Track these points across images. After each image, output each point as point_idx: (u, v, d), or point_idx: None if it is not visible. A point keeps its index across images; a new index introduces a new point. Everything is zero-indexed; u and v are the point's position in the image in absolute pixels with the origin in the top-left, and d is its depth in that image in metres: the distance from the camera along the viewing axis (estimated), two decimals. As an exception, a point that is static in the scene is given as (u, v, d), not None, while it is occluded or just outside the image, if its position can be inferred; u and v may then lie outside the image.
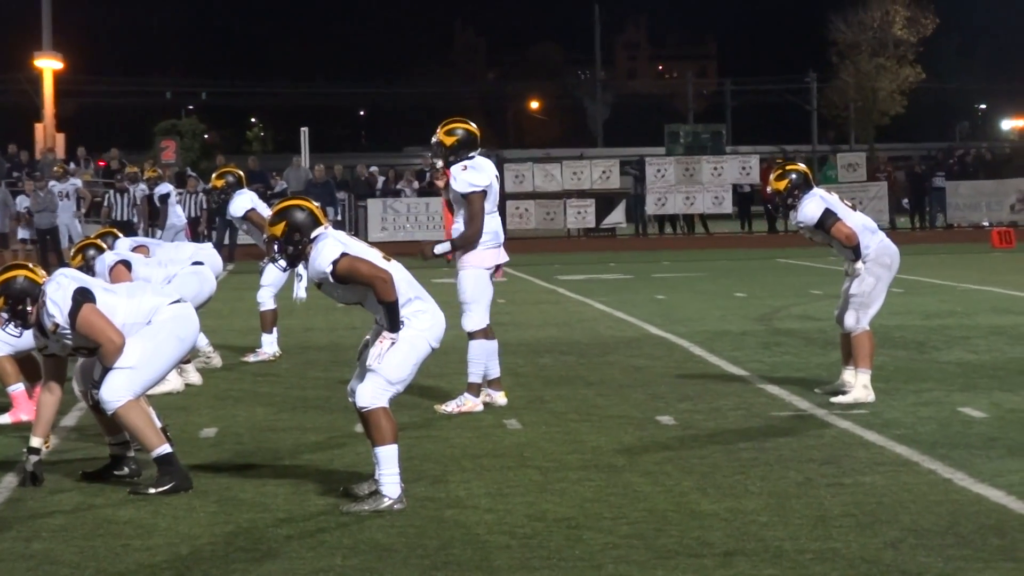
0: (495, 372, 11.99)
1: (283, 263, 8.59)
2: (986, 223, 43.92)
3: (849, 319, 11.91)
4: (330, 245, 8.36)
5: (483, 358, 11.81)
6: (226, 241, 34.70)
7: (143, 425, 8.91)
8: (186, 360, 13.04)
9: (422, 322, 8.44)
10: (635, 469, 9.30)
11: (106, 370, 8.90)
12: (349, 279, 8.33)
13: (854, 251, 11.86)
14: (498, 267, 12.01)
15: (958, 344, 15.45)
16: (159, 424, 9.17)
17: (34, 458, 9.14)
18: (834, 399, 11.74)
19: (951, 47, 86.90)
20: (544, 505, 8.33)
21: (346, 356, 14.51)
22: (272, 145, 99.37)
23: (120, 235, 14.28)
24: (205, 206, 35.25)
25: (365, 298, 8.44)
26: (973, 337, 16.00)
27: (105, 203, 34.20)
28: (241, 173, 15.97)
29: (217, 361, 14.87)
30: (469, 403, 11.72)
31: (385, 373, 8.30)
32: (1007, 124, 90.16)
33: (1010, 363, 13.95)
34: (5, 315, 9.05)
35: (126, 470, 9.32)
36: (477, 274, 11.75)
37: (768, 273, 28.05)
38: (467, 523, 7.95)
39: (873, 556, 7.11)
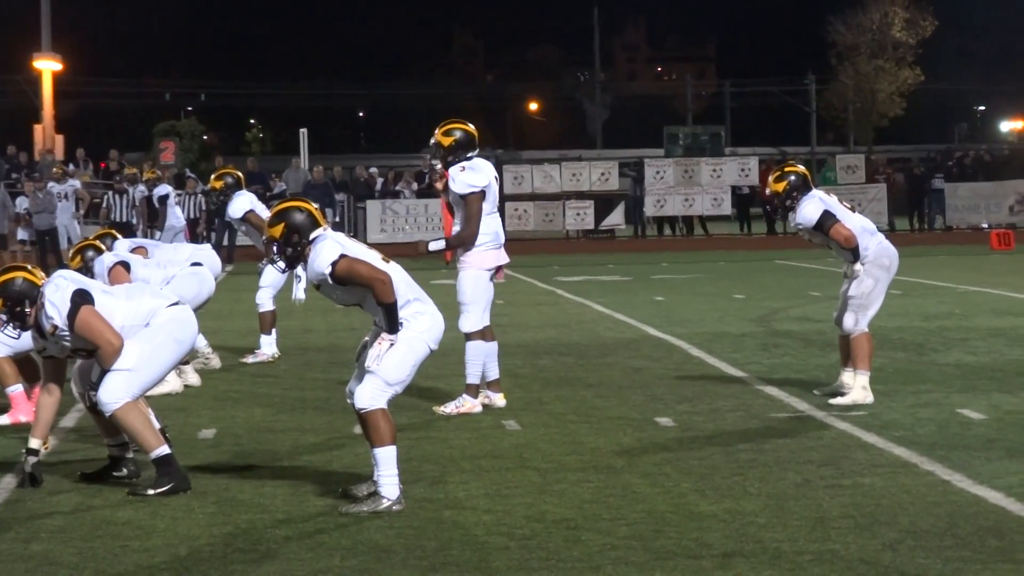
0: (494, 374, 11.99)
1: (282, 264, 8.60)
2: (985, 225, 43.92)
3: (848, 321, 11.91)
4: (329, 247, 8.37)
5: (480, 359, 11.82)
6: (225, 242, 34.70)
7: (141, 427, 8.91)
8: (185, 361, 13.03)
9: (421, 323, 8.44)
10: (634, 470, 9.31)
11: (104, 372, 8.90)
12: (348, 281, 8.34)
13: (853, 253, 11.86)
14: (499, 268, 12.01)
15: (957, 346, 15.46)
16: (158, 425, 9.18)
17: (33, 459, 9.14)
18: (833, 400, 11.75)
19: (950, 49, 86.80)
20: (543, 506, 8.33)
21: (345, 357, 14.51)
22: (271, 146, 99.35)
23: (119, 236, 14.29)
24: (204, 207, 35.24)
25: (364, 299, 8.44)
26: (972, 339, 16.01)
27: (104, 204, 34.19)
28: (240, 174, 15.97)
29: (216, 362, 14.87)
30: (467, 404, 11.73)
31: (384, 374, 8.30)
32: (1006, 126, 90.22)
33: (1009, 365, 13.95)
34: (3, 317, 9.04)
35: (125, 471, 9.33)
36: (477, 275, 11.76)
37: (767, 275, 28.05)
38: (466, 524, 7.95)
39: (872, 557, 7.11)
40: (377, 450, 8.28)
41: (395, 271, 8.45)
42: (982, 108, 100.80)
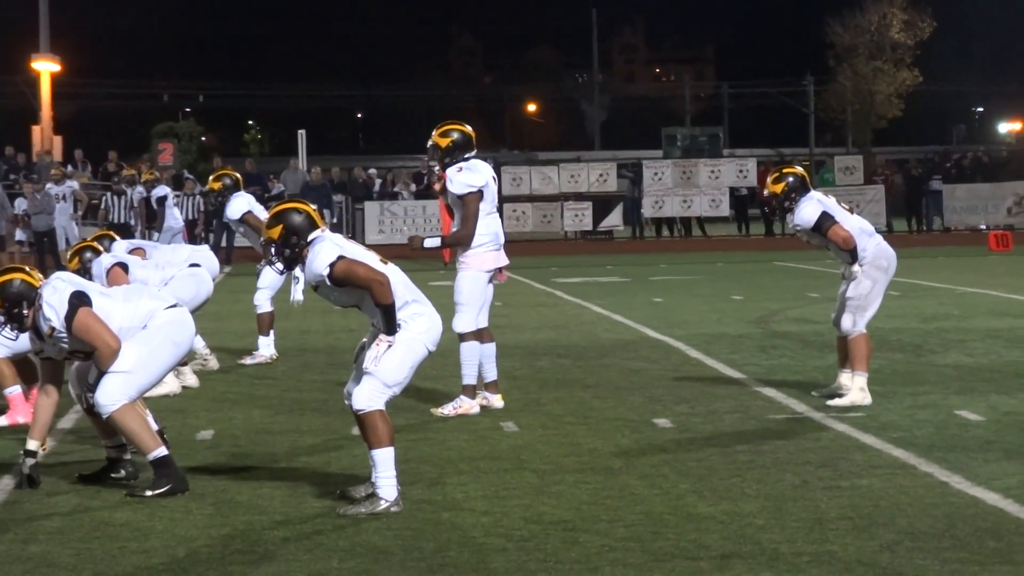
0: (492, 375, 11.99)
1: (280, 266, 8.60)
2: (983, 226, 43.95)
3: (846, 322, 11.91)
4: (327, 248, 8.37)
5: (475, 359, 11.82)
6: (223, 243, 34.69)
7: (138, 428, 8.91)
8: (183, 362, 13.03)
9: (419, 325, 8.45)
10: (632, 472, 9.30)
11: (101, 374, 8.89)
12: (346, 282, 8.34)
13: (851, 254, 11.86)
14: (500, 270, 12.01)
15: (955, 347, 15.46)
16: (155, 427, 9.18)
17: (31, 461, 9.14)
18: (831, 402, 11.75)
19: (948, 50, 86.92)
20: (541, 508, 8.33)
21: (343, 359, 14.52)
22: (269, 148, 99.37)
23: (117, 237, 14.28)
24: (202, 208, 35.26)
25: (362, 301, 8.44)
26: (970, 340, 16.01)
27: (102, 205, 34.19)
28: (238, 176, 15.96)
29: (214, 363, 14.87)
30: (465, 405, 11.73)
31: (382, 376, 8.30)
32: (1004, 127, 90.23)
33: (1007, 366, 13.95)
34: (1, 318, 9.04)
35: (123, 473, 9.33)
36: (475, 276, 11.76)
37: (765, 276, 28.05)
38: (464, 526, 7.95)
39: (870, 559, 7.11)
40: (375, 451, 8.28)
41: (393, 272, 8.46)
42: (980, 110, 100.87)
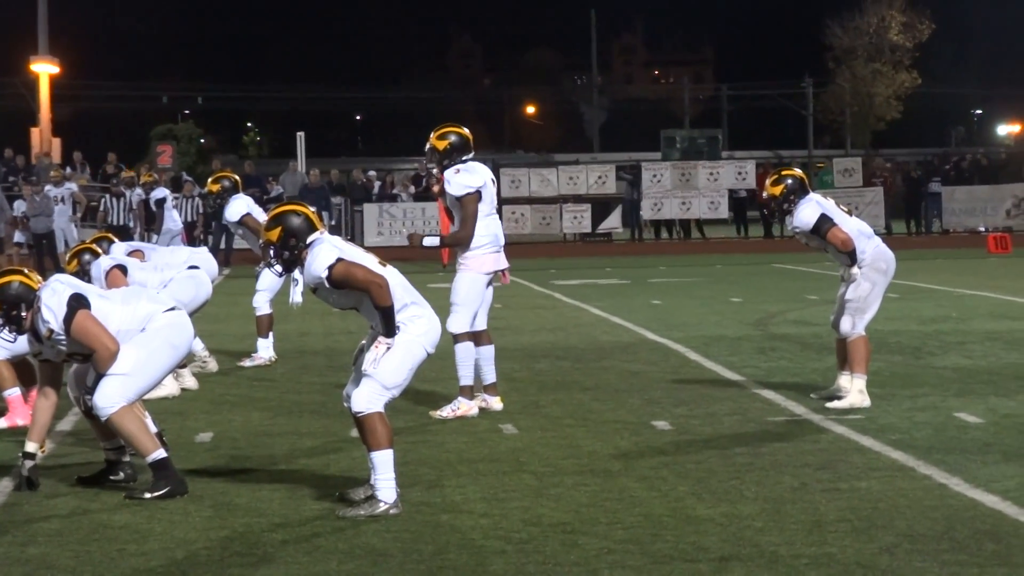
0: (491, 378, 11.99)
1: (279, 268, 8.61)
2: (982, 228, 43.96)
3: (845, 324, 11.91)
4: (326, 250, 8.37)
5: (471, 360, 11.82)
6: (222, 245, 34.69)
7: (137, 431, 8.91)
8: (182, 365, 13.03)
9: (418, 327, 8.45)
10: (631, 474, 9.30)
11: (99, 376, 8.89)
12: (344, 284, 8.34)
13: (850, 256, 11.86)
14: (503, 272, 12.02)
15: (954, 349, 15.46)
16: (154, 429, 9.18)
17: (30, 463, 9.14)
18: (830, 404, 11.75)
19: (947, 53, 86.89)
20: (540, 510, 8.33)
21: (342, 361, 14.52)
22: (268, 150, 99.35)
23: (115, 239, 14.28)
24: (201, 210, 35.25)
25: (360, 303, 8.45)
26: (969, 342, 16.01)
27: (101, 207, 34.19)
28: (237, 178, 15.98)
29: (213, 366, 14.87)
30: (463, 407, 11.73)
31: (381, 378, 8.30)
32: (1003, 129, 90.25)
33: (1006, 368, 13.95)
34: (0, 320, 9.04)
35: (121, 475, 9.32)
36: (473, 278, 11.76)
37: (764, 278, 28.05)
38: (463, 528, 7.95)
39: (869, 561, 7.11)
40: (374, 454, 8.28)
41: (392, 275, 8.46)
42: (979, 112, 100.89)
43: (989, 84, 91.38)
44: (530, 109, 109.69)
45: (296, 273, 8.57)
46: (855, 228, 11.98)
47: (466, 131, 11.95)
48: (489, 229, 11.76)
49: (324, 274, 8.33)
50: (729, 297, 23.11)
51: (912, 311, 19.62)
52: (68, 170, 38.93)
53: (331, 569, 7.18)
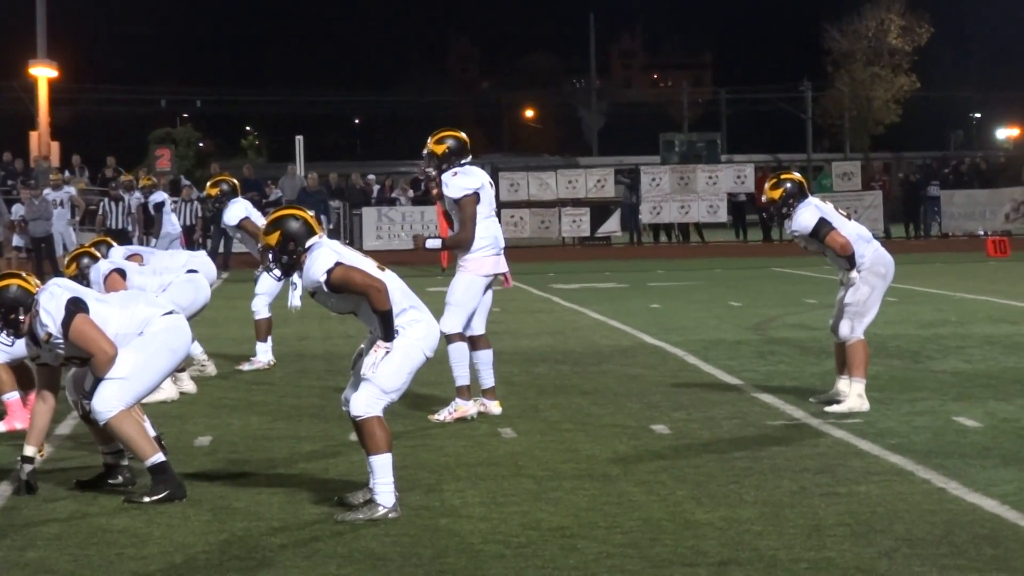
0: (490, 382, 12.00)
1: (278, 272, 8.61)
2: (981, 232, 43.96)
3: (844, 328, 11.91)
4: (324, 255, 8.37)
5: (465, 360, 11.82)
6: (221, 249, 34.70)
7: (135, 435, 8.90)
8: (181, 368, 13.04)
9: (416, 331, 8.45)
10: (629, 478, 9.30)
11: (97, 380, 8.89)
12: (343, 288, 8.34)
13: (848, 260, 11.85)
14: (505, 276, 12.03)
15: (953, 353, 15.46)
16: (153, 433, 9.17)
17: (28, 467, 9.14)
18: (829, 408, 11.75)
19: (946, 56, 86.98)
20: (538, 514, 8.33)
21: (341, 365, 14.52)
22: (267, 153, 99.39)
23: (114, 244, 14.27)
24: (200, 214, 35.26)
25: (359, 307, 8.45)
26: (968, 346, 16.01)
27: (100, 211, 34.20)
28: (236, 181, 15.98)
29: (212, 369, 14.86)
30: (461, 408, 11.73)
31: (379, 382, 8.31)
32: (1002, 133, 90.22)
33: (1005, 372, 13.95)
34: (-2, 324, 9.04)
35: (120, 479, 9.32)
36: (471, 280, 11.77)
37: (763, 282, 28.05)
38: (461, 532, 7.95)
39: (867, 565, 7.11)
40: (373, 458, 8.28)
41: (390, 279, 8.46)
42: (978, 115, 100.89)
43: (988, 88, 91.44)
44: (529, 113, 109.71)
45: (295, 277, 8.57)
46: (854, 232, 11.97)
47: (463, 135, 11.99)
48: (488, 231, 11.78)
49: (323, 278, 8.33)
50: (728, 301, 23.11)
51: (911, 315, 19.62)
52: (67, 174, 38.92)
53: (330, 573, 7.18)
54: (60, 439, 11.15)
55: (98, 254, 13.35)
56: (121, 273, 13.09)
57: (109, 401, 8.83)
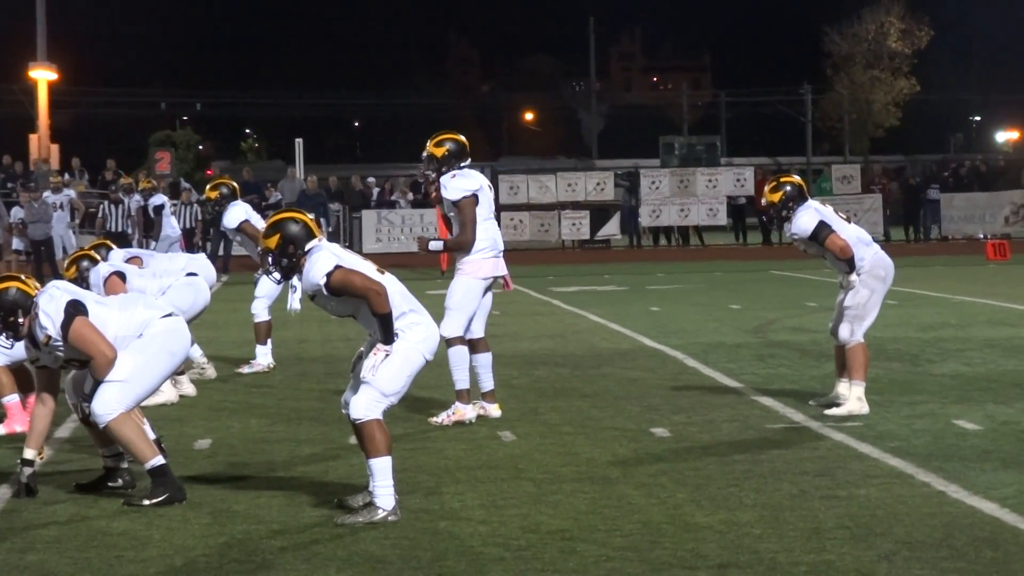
0: (489, 385, 12.00)
1: (277, 275, 8.61)
2: (981, 235, 43.95)
3: (843, 331, 11.90)
4: (324, 258, 8.37)
5: (465, 363, 11.82)
6: (220, 252, 34.70)
7: (135, 437, 8.90)
8: (180, 371, 13.04)
9: (416, 334, 8.45)
10: (629, 481, 9.30)
11: (97, 383, 8.89)
12: (343, 291, 8.35)
13: (848, 263, 11.85)
14: (505, 279, 12.03)
15: (953, 356, 15.46)
16: (153, 436, 9.17)
17: (28, 470, 9.14)
18: (828, 411, 11.74)
19: (946, 59, 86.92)
20: (538, 517, 8.32)
21: (340, 368, 14.51)
22: (267, 156, 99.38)
23: (113, 246, 14.27)
24: (200, 217, 35.27)
25: (359, 310, 8.45)
26: (968, 349, 16.01)
27: (99, 214, 34.20)
28: (235, 184, 15.98)
29: (211, 372, 14.86)
30: (460, 411, 11.73)
31: (379, 385, 8.31)
32: (1001, 136, 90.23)
33: (1004, 375, 13.95)
34: (-2, 326, 9.04)
35: (120, 482, 9.32)
36: (470, 283, 11.78)
37: (763, 285, 28.05)
38: (461, 535, 7.95)
39: (867, 568, 7.11)
40: (372, 461, 8.28)
41: (390, 282, 8.46)
42: (978, 118, 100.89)
43: (988, 91, 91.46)
44: (528, 115, 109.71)
45: (294, 280, 8.57)
46: (854, 235, 11.97)
47: (462, 138, 12.01)
48: (488, 234, 11.79)
49: (322, 281, 8.33)
50: (728, 304, 23.11)
51: (911, 318, 19.62)
52: (66, 176, 38.91)
53: (329, 576, 7.19)
54: (60, 442, 11.15)
55: (98, 257, 13.35)
56: (121, 276, 13.09)
57: (109, 404, 8.84)
